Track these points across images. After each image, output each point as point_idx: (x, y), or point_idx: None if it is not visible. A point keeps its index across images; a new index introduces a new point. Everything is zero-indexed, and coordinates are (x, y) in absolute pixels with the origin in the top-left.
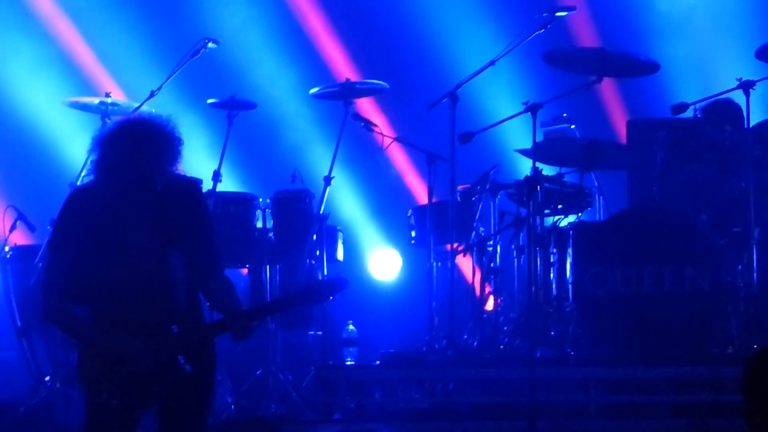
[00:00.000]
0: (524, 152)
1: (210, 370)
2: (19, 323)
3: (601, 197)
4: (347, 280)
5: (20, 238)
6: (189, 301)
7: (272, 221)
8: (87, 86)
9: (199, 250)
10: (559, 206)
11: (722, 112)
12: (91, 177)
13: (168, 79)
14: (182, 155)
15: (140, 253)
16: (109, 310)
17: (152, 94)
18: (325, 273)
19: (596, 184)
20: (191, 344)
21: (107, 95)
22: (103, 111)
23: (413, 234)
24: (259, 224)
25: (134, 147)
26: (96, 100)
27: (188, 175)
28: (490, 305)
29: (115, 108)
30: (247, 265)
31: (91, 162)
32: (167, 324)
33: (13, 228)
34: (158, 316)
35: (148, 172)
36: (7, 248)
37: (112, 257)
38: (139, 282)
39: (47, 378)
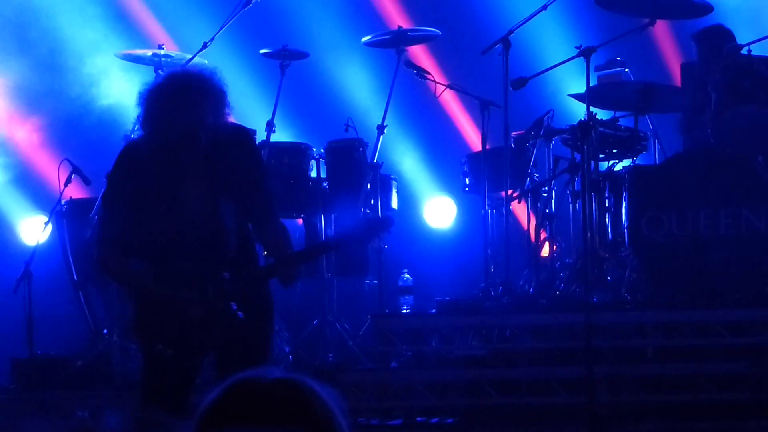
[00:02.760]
0: (578, 97)
1: (265, 316)
2: (75, 277)
3: (656, 140)
4: (393, 218)
5: (75, 191)
6: (241, 249)
7: (326, 171)
8: (140, 38)
9: (251, 198)
10: (614, 150)
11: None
12: (140, 132)
13: (220, 30)
14: (230, 105)
15: (191, 204)
16: (162, 261)
17: (205, 46)
18: None
19: (651, 127)
20: (244, 291)
21: (160, 47)
22: (156, 63)
23: (468, 181)
24: (314, 174)
25: (178, 101)
26: (149, 52)
27: (241, 125)
28: (545, 251)
29: (168, 60)
30: (302, 215)
31: (138, 117)
32: (219, 272)
33: (68, 181)
34: (210, 265)
35: (194, 125)
36: (63, 202)
37: (163, 209)
38: (191, 231)
39: (105, 331)
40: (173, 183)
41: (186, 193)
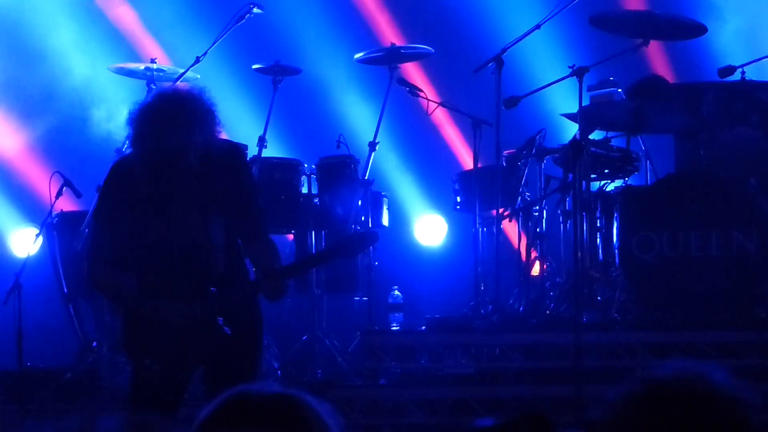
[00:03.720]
0: (570, 116)
1: (253, 332)
2: (65, 289)
3: (648, 161)
4: (378, 233)
5: (67, 204)
6: (230, 265)
7: (317, 187)
8: (133, 52)
9: (241, 215)
10: (606, 171)
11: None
12: (130, 150)
13: (213, 44)
14: (220, 123)
15: (180, 220)
16: (151, 276)
17: (197, 60)
18: None
19: (643, 148)
20: (231, 306)
21: (153, 61)
22: (148, 77)
23: (459, 199)
24: (305, 190)
25: (167, 121)
26: (142, 66)
27: (232, 140)
28: (536, 270)
29: (161, 74)
30: (293, 231)
31: (127, 137)
32: (206, 287)
33: (59, 194)
34: (197, 280)
35: (182, 144)
36: (53, 214)
37: (153, 225)
38: (179, 247)
39: (94, 344)
40: (162, 199)
41: (175, 209)
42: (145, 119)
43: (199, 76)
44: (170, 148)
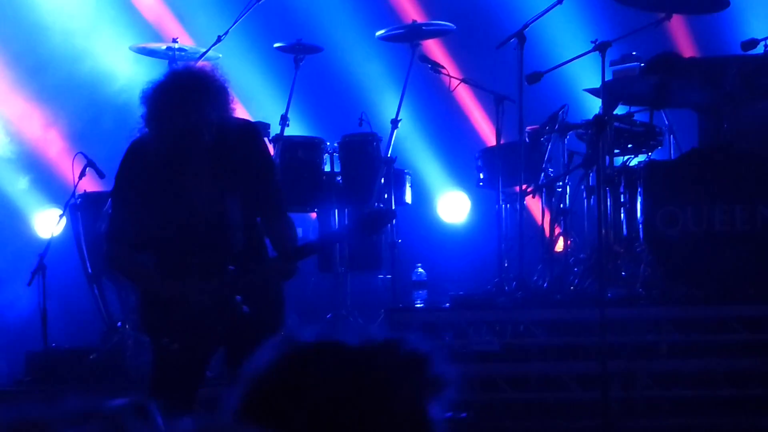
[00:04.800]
0: (593, 92)
1: (274, 311)
2: (89, 270)
3: (672, 136)
4: (395, 210)
5: (90, 184)
6: (248, 243)
7: (340, 165)
8: (154, 32)
9: (258, 193)
10: (629, 145)
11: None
12: (144, 130)
13: (234, 23)
14: (233, 100)
15: (196, 199)
16: (169, 256)
17: (219, 39)
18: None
19: (666, 122)
20: (251, 285)
21: (174, 41)
22: (170, 56)
23: (482, 176)
24: (327, 168)
25: (180, 100)
26: (163, 46)
27: (254, 119)
28: (559, 246)
29: (182, 53)
30: (315, 209)
31: (141, 116)
32: (224, 266)
33: (82, 174)
34: (215, 259)
35: (196, 123)
36: (77, 195)
37: (169, 205)
38: (196, 226)
39: (119, 324)
40: (178, 179)
41: (191, 188)
42: (158, 98)
43: (220, 56)
44: (183, 127)
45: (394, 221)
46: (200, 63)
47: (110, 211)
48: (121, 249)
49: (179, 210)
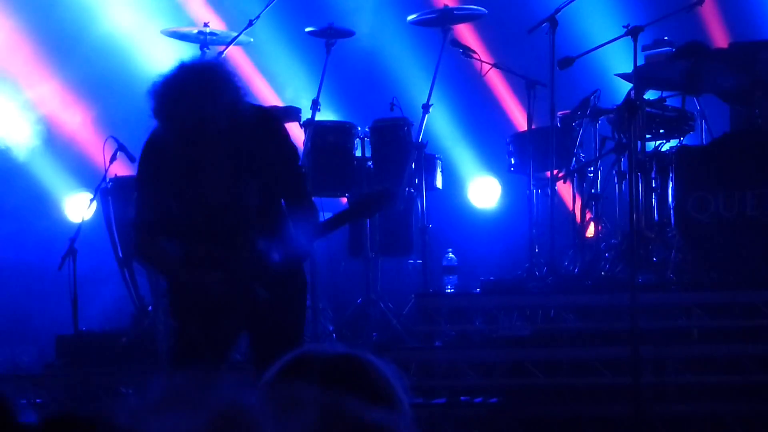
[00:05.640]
0: (625, 76)
1: (296, 295)
2: (120, 254)
3: (703, 121)
4: (392, 191)
5: (121, 168)
6: (268, 229)
7: (371, 150)
8: (185, 16)
9: (277, 178)
10: (661, 131)
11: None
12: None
13: (266, 7)
14: (241, 89)
15: (214, 187)
16: (191, 242)
17: (250, 23)
18: (425, 201)
19: (698, 107)
20: (271, 270)
21: (206, 25)
22: (201, 41)
23: (513, 161)
24: (358, 153)
25: (181, 94)
26: (194, 30)
27: (285, 104)
28: (590, 232)
29: (214, 38)
30: (346, 194)
31: (151, 110)
32: (241, 252)
33: (113, 159)
34: (233, 245)
35: (200, 114)
36: (108, 179)
37: (186, 193)
38: (215, 213)
39: (149, 308)
40: (193, 167)
41: (207, 175)
42: (162, 93)
43: (252, 40)
44: (190, 120)
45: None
46: (208, 56)
47: (135, 197)
48: (144, 237)
49: (198, 198)
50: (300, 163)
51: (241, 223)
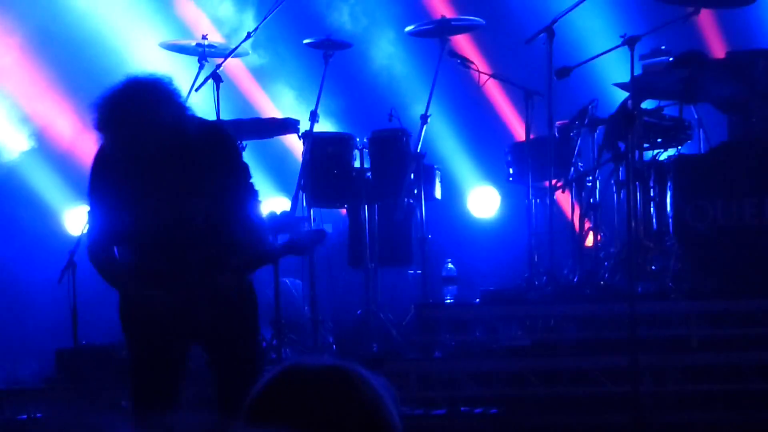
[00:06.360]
0: (622, 86)
1: (241, 314)
2: None
3: (701, 130)
4: (326, 232)
5: None
6: (214, 245)
7: (370, 161)
8: (184, 29)
9: (224, 196)
10: (659, 140)
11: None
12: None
13: (264, 20)
14: (182, 106)
15: (160, 203)
16: (141, 257)
17: (248, 36)
18: (424, 211)
19: (696, 116)
20: (216, 288)
21: (204, 37)
22: (200, 53)
23: (511, 171)
24: (357, 164)
25: (126, 110)
26: (193, 42)
27: (283, 115)
28: (589, 241)
29: (212, 50)
30: (345, 205)
31: (94, 124)
32: (188, 269)
33: None
34: (180, 262)
35: (145, 129)
36: None
37: (136, 208)
38: (162, 230)
39: None
40: (141, 183)
41: (153, 192)
42: (103, 107)
43: (250, 52)
44: (129, 134)
45: (325, 243)
46: (148, 74)
47: (89, 212)
48: (96, 249)
49: (146, 214)
50: (250, 180)
51: (188, 241)
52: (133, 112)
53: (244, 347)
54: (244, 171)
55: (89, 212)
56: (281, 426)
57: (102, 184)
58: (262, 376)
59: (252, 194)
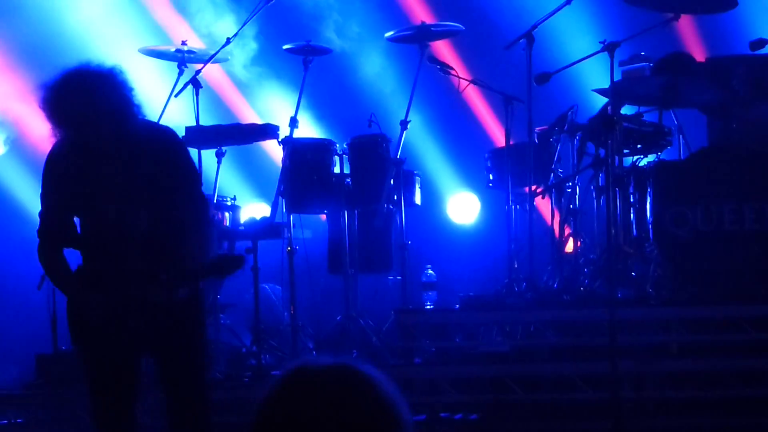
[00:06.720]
0: (602, 92)
1: (187, 320)
2: None
3: (681, 135)
4: (244, 258)
5: None
6: (159, 252)
7: (350, 166)
8: (163, 34)
9: (170, 202)
10: (639, 145)
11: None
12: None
13: (243, 25)
14: (133, 105)
15: (104, 206)
16: (86, 259)
17: (228, 42)
18: (404, 217)
19: (675, 122)
20: (147, 299)
21: (183, 43)
22: (179, 59)
23: (491, 177)
24: (337, 170)
25: (65, 100)
26: (172, 48)
27: (263, 121)
28: (569, 247)
29: (192, 56)
30: (325, 211)
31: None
32: (125, 276)
33: None
34: (123, 267)
35: (86, 120)
36: None
37: (83, 209)
38: (105, 233)
39: None
40: (87, 183)
41: (96, 197)
42: (45, 98)
43: (230, 58)
44: (71, 124)
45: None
46: (96, 66)
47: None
48: (44, 250)
49: (90, 216)
50: (200, 187)
51: (129, 247)
52: (70, 100)
53: (185, 361)
54: (192, 178)
55: (41, 210)
56: (296, 429)
57: (54, 181)
58: (208, 392)
59: (200, 202)
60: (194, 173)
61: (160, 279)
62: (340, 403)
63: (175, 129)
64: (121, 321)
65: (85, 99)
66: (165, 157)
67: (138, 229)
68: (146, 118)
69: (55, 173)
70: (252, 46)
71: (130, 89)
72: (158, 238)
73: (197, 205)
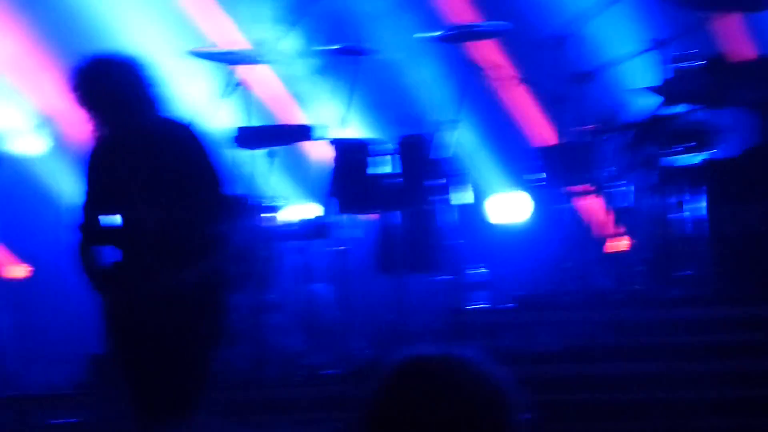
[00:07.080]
0: (651, 90)
1: (187, 319)
2: None
3: (734, 133)
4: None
5: None
6: (161, 251)
7: (399, 166)
8: (210, 36)
9: (184, 202)
10: (691, 144)
11: None
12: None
13: (291, 26)
14: (158, 99)
15: (119, 203)
16: (116, 254)
17: (276, 42)
18: (454, 217)
19: (728, 120)
20: (162, 294)
21: (226, 45)
22: (228, 60)
23: (541, 176)
24: (387, 169)
25: (80, 86)
26: (219, 49)
27: (311, 121)
28: (621, 246)
29: (238, 57)
30: (377, 211)
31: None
32: (135, 272)
33: None
34: (133, 264)
35: (99, 106)
36: None
37: (105, 206)
38: (121, 230)
39: None
40: (108, 180)
41: (113, 192)
42: (71, 80)
43: (278, 59)
44: (88, 106)
45: None
46: (120, 55)
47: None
48: (81, 240)
49: (107, 212)
50: (218, 188)
51: (139, 244)
52: (88, 88)
53: (183, 355)
54: (207, 179)
55: (83, 203)
56: (411, 423)
57: (85, 178)
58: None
59: (217, 204)
60: (209, 173)
61: (165, 276)
62: (456, 390)
63: (225, 131)
64: (131, 314)
65: (98, 84)
66: (179, 155)
67: (148, 226)
68: (166, 114)
69: (87, 169)
70: (301, 46)
71: (148, 84)
72: (167, 236)
73: (211, 207)
